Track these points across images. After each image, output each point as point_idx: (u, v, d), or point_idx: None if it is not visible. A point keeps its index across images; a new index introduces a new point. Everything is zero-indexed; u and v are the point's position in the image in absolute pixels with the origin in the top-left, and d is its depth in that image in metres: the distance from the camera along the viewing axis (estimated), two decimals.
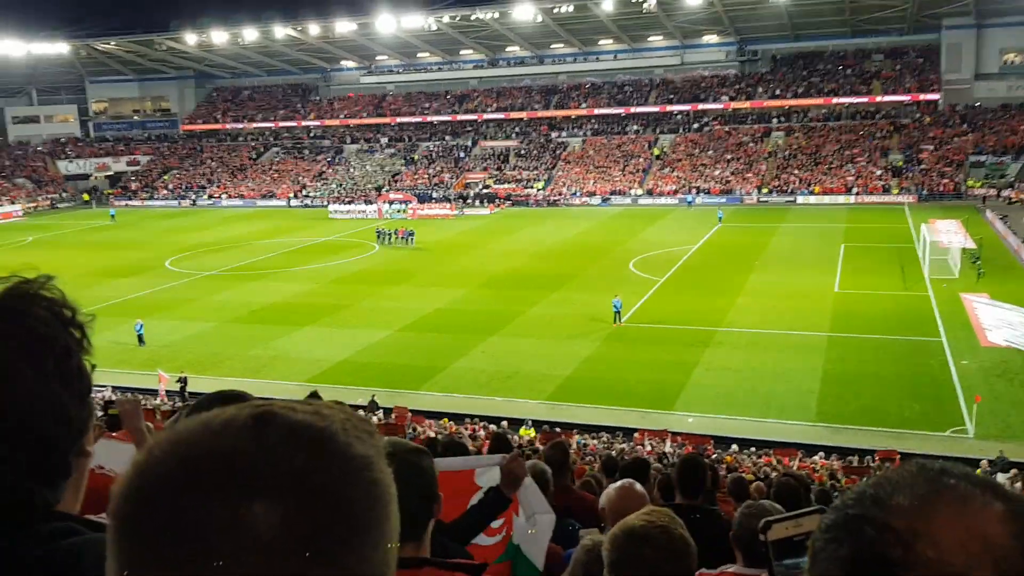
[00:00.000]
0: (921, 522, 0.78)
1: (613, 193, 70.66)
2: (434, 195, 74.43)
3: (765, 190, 66.54)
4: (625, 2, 71.09)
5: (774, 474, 15.08)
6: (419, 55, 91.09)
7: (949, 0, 66.79)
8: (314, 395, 7.37)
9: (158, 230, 65.00)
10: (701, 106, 78.49)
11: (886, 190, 63.12)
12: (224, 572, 0.75)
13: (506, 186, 75.20)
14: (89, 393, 1.34)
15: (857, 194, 63.21)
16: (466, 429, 21.42)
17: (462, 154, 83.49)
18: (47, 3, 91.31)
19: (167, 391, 27.80)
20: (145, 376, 29.07)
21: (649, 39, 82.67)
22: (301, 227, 63.71)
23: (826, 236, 49.61)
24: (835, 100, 74.47)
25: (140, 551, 0.78)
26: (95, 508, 1.42)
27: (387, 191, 76.45)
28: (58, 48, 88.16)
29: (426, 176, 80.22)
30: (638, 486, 3.83)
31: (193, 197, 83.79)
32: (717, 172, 70.23)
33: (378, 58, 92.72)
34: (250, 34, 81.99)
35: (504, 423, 23.14)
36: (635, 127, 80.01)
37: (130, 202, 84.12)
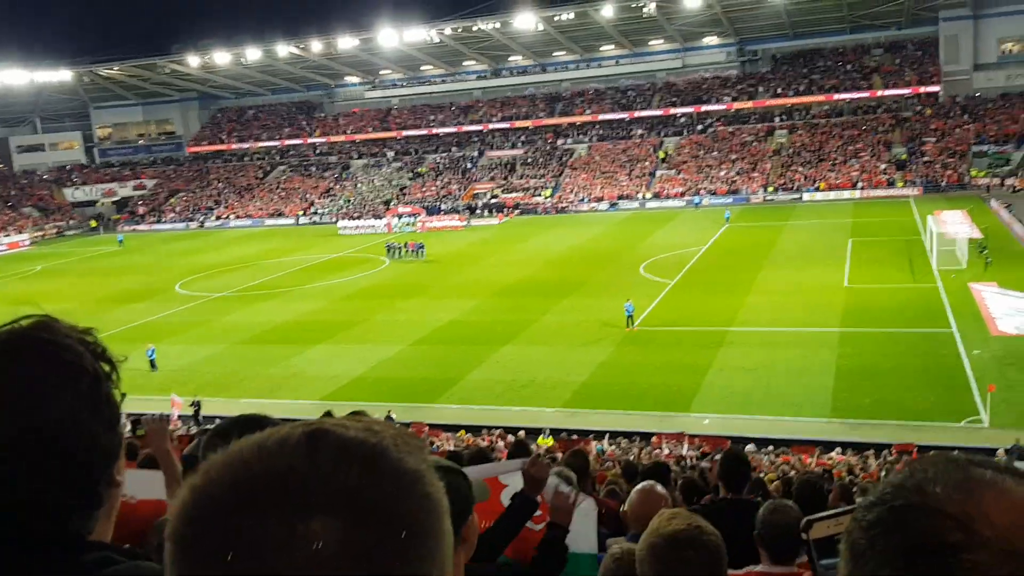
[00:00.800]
0: (972, 506, 0.80)
1: (621, 198, 70.86)
2: (443, 207, 74.77)
3: (771, 189, 66.63)
4: (625, 7, 71.42)
5: (792, 473, 15.26)
6: (422, 68, 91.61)
7: None
8: (328, 415, 7.62)
9: (167, 253, 65.46)
10: (704, 108, 78.70)
11: (891, 184, 63.11)
12: None
13: (514, 195, 75.49)
14: (119, 422, 1.42)
15: (862, 189, 63.23)
16: (484, 440, 21.62)
17: (469, 165, 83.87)
18: (49, 31, 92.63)
19: (180, 415, 27.94)
20: (158, 402, 29.27)
21: (650, 43, 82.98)
22: (311, 245, 64.11)
23: (833, 232, 49.68)
24: (836, 96, 74.55)
25: (201, 572, 0.80)
26: (118, 535, 1.52)
27: (396, 205, 76.83)
28: (61, 75, 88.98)
29: (434, 188, 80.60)
30: (659, 487, 3.88)
31: (201, 219, 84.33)
32: (723, 173, 70.37)
33: (382, 72, 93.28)
34: (252, 54, 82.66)
35: (521, 432, 23.33)
36: (640, 131, 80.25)
37: (138, 227, 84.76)
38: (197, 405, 27.55)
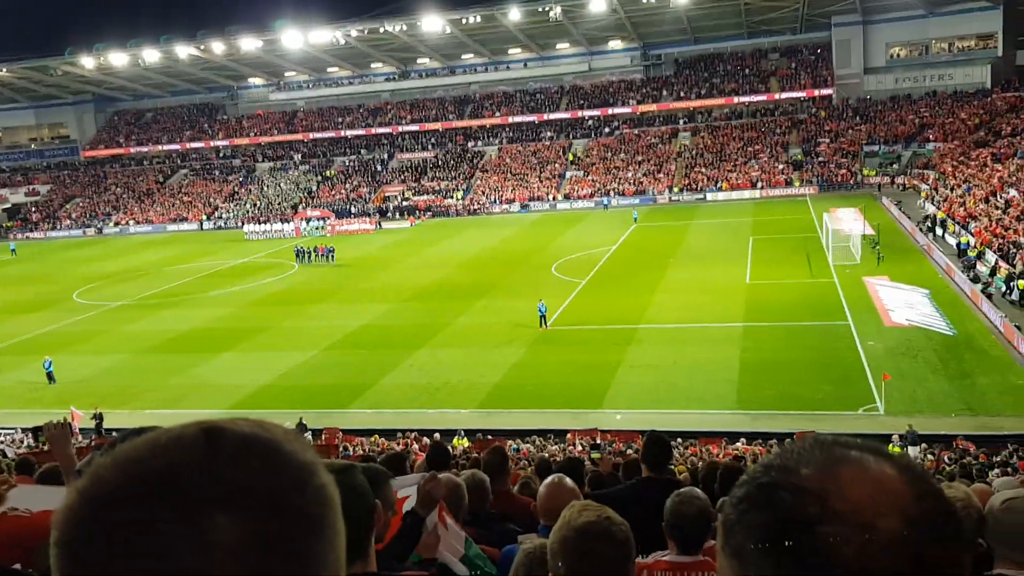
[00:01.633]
0: (830, 482, 0.86)
1: (532, 199, 71.47)
2: (353, 210, 73.92)
3: (676, 189, 68.31)
4: (531, 11, 72.07)
5: (700, 463, 15.72)
6: (329, 70, 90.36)
7: None
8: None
9: (63, 261, 62.83)
10: (611, 111, 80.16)
11: (788, 183, 65.57)
12: None
13: (425, 198, 75.24)
14: None
15: (762, 188, 65.49)
16: (398, 444, 21.51)
17: (379, 167, 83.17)
18: None
19: (82, 429, 26.88)
20: (57, 416, 28.08)
21: (557, 47, 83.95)
22: (216, 250, 62.47)
23: (735, 230, 51.28)
24: (736, 99, 77.05)
25: (96, 573, 0.78)
26: (9, 552, 1.43)
27: (304, 208, 75.58)
28: None
29: (343, 191, 79.61)
30: (568, 480, 3.88)
31: (99, 225, 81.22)
32: (630, 174, 71.78)
33: (287, 74, 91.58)
34: (151, 55, 79.93)
35: (436, 435, 23.31)
36: (549, 134, 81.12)
37: (31, 234, 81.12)
38: (99, 417, 26.59)
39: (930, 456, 18.73)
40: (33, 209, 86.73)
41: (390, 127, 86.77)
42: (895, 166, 64.73)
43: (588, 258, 46.68)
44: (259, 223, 72.05)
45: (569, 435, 22.93)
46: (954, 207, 45.52)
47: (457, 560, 3.58)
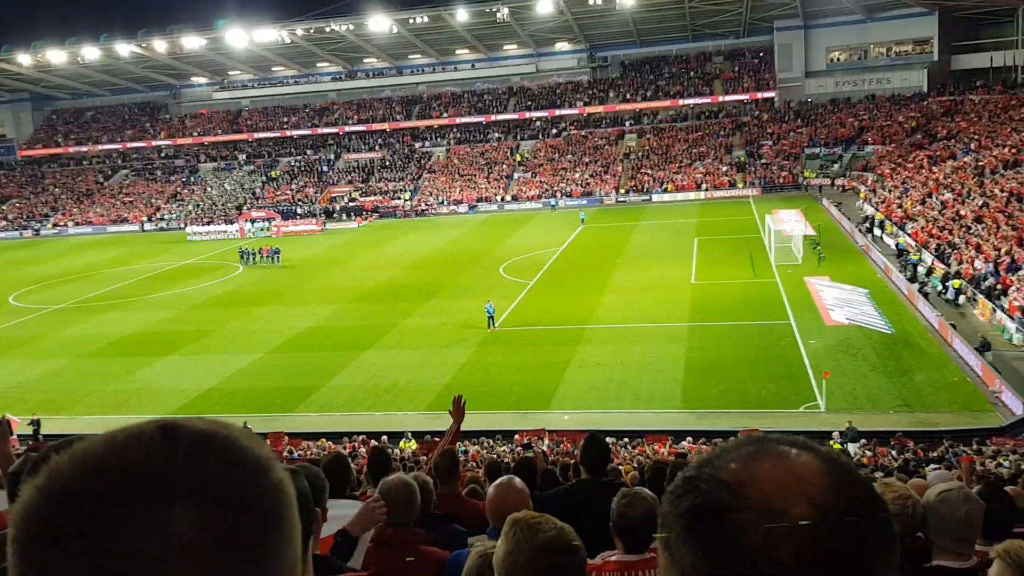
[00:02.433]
0: (746, 473, 0.91)
1: (479, 200, 71.45)
2: (299, 211, 73.03)
3: (623, 190, 68.93)
4: (478, 12, 72.06)
5: (647, 462, 15.88)
6: (274, 69, 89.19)
7: (778, 4, 71.31)
8: None
9: None
10: (558, 112, 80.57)
11: (732, 185, 66.65)
12: (152, 575, 0.78)
13: (372, 198, 74.71)
14: None
15: (706, 190, 66.46)
16: (345, 448, 21.31)
17: (325, 168, 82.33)
18: None
19: (19, 435, 26.16)
20: None
21: (504, 48, 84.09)
22: (158, 252, 61.20)
23: (681, 231, 51.94)
24: (681, 102, 78.06)
25: (58, 570, 0.78)
26: None
27: (249, 209, 74.44)
28: None
29: (289, 192, 78.63)
30: (517, 481, 3.87)
31: (36, 227, 78.93)
32: (577, 175, 72.22)
33: (231, 73, 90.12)
34: (91, 52, 78.00)
35: (384, 437, 23.16)
36: (497, 135, 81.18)
37: None
38: (36, 424, 25.91)
39: (868, 452, 19.18)
40: None
41: (336, 127, 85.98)
42: (835, 168, 66.23)
43: (536, 259, 46.85)
44: (202, 224, 70.80)
45: (517, 436, 22.96)
46: (892, 208, 46.76)
47: None
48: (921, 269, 35.98)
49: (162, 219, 77.23)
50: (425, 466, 8.19)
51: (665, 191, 67.42)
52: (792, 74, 74.75)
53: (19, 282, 51.79)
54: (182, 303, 42.93)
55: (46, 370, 33.00)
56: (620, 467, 14.13)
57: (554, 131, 79.82)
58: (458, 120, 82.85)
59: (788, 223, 42.57)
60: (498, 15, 71.51)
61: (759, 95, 75.90)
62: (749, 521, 0.86)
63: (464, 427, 24.11)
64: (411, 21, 73.74)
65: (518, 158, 77.06)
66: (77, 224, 78.59)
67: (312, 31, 76.40)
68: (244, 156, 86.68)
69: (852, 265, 39.78)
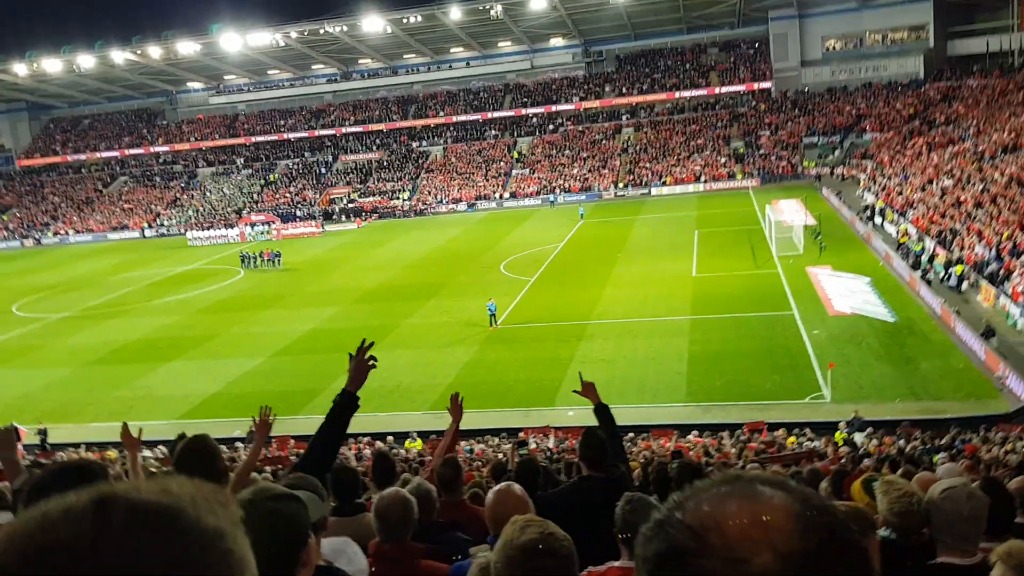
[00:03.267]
0: (712, 518, 0.89)
1: (478, 198, 71.45)
2: (298, 213, 73.05)
3: (621, 185, 68.91)
4: (472, 10, 71.97)
5: (653, 458, 15.86)
6: (269, 72, 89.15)
7: None
8: (182, 437, 7.28)
9: (0, 273, 60.91)
10: (554, 108, 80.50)
11: (731, 176, 66.60)
12: None
13: (371, 199, 74.70)
14: None
15: (705, 182, 66.41)
16: (350, 449, 21.32)
17: (323, 170, 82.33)
18: None
19: (26, 445, 26.21)
20: None
21: (499, 45, 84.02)
22: (159, 258, 61.23)
23: (680, 224, 51.91)
24: (677, 94, 77.95)
25: None
26: None
27: (248, 213, 74.46)
28: None
29: (288, 195, 78.63)
30: (516, 487, 3.80)
31: (37, 236, 79.11)
32: (575, 171, 72.17)
33: (226, 77, 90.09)
34: (86, 61, 77.97)
35: (390, 438, 23.18)
36: (493, 132, 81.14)
37: None
38: (44, 433, 25.91)
39: (874, 442, 19.15)
40: None
41: (333, 129, 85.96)
42: (834, 156, 66.15)
43: (536, 255, 46.83)
44: (202, 229, 70.86)
45: (521, 433, 22.95)
46: (892, 196, 46.69)
47: None
48: (923, 256, 35.94)
49: (162, 225, 77.29)
50: (426, 469, 8.16)
51: (664, 184, 67.37)
52: (788, 64, 74.63)
53: (22, 291, 51.82)
54: (185, 308, 42.95)
55: (51, 379, 33.01)
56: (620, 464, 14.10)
57: (551, 127, 79.76)
58: (455, 118, 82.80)
59: (788, 213, 42.52)
60: (491, 12, 71.42)
61: (755, 86, 75.79)
62: (712, 567, 0.85)
63: (469, 426, 24.13)
64: (405, 21, 73.69)
65: (515, 155, 77.03)
66: (77, 232, 78.66)
67: (306, 33, 76.38)
68: (242, 160, 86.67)
69: (853, 254, 39.73)
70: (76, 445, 24.85)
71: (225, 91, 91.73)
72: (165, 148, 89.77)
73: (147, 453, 21.12)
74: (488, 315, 33.36)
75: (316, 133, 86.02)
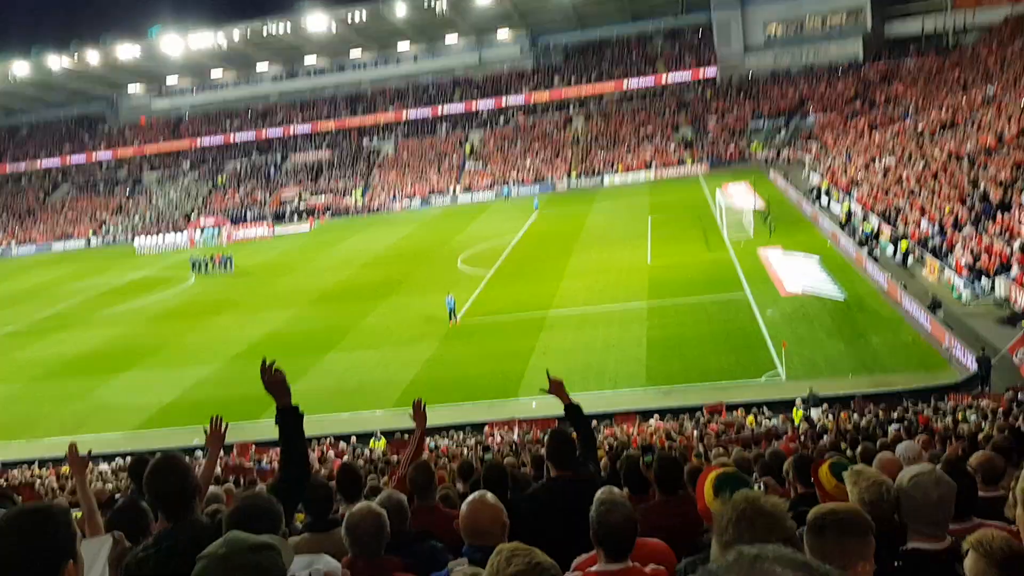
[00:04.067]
0: None
1: (432, 193, 71.20)
2: (248, 216, 72.07)
3: (574, 175, 69.21)
4: (417, 5, 71.56)
5: (616, 444, 16.04)
6: (213, 73, 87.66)
7: None
8: (140, 457, 7.16)
9: None
10: (504, 101, 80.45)
11: (681, 162, 67.28)
12: None
13: (323, 198, 74.00)
14: None
15: (656, 169, 66.98)
16: (313, 451, 21.17)
17: (272, 170, 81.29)
18: None
19: None
20: None
21: (446, 39, 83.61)
22: (106, 267, 59.95)
23: (634, 212, 52.31)
24: (625, 83, 78.42)
25: None
26: None
27: (197, 217, 73.24)
28: None
29: (237, 197, 77.51)
30: (489, 496, 3.77)
31: None
32: (528, 163, 72.28)
33: (169, 80, 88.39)
34: (21, 68, 75.92)
35: (353, 438, 23.09)
36: (444, 127, 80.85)
37: None
38: None
39: (830, 416, 19.57)
40: None
41: (281, 128, 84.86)
42: (780, 139, 67.20)
43: (493, 249, 46.85)
44: (150, 236, 69.54)
45: (486, 427, 23.04)
46: (837, 176, 47.61)
47: None
48: (865, 230, 36.72)
49: (108, 233, 75.70)
50: (393, 478, 8.10)
51: (616, 173, 67.81)
52: (732, 50, 75.46)
53: None
54: (136, 317, 42.16)
55: (1, 395, 32.20)
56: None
57: (502, 120, 79.73)
58: (405, 114, 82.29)
59: (738, 197, 43.12)
60: (437, 7, 71.14)
61: (701, 72, 76.57)
62: None
63: (433, 422, 24.07)
64: (349, 17, 73.01)
65: (468, 149, 76.87)
66: (20, 243, 76.68)
67: (249, 33, 75.29)
68: (188, 163, 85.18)
69: (802, 234, 40.46)
70: (30, 462, 24.33)
71: (168, 94, 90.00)
72: (108, 154, 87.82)
73: (103, 467, 20.76)
74: (447, 310, 33.32)
75: (264, 134, 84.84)
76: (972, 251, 28.66)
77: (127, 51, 75.19)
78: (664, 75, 77.64)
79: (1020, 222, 28.38)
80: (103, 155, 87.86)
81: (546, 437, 5.21)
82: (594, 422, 21.97)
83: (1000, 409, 15.45)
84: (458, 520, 3.72)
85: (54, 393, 31.65)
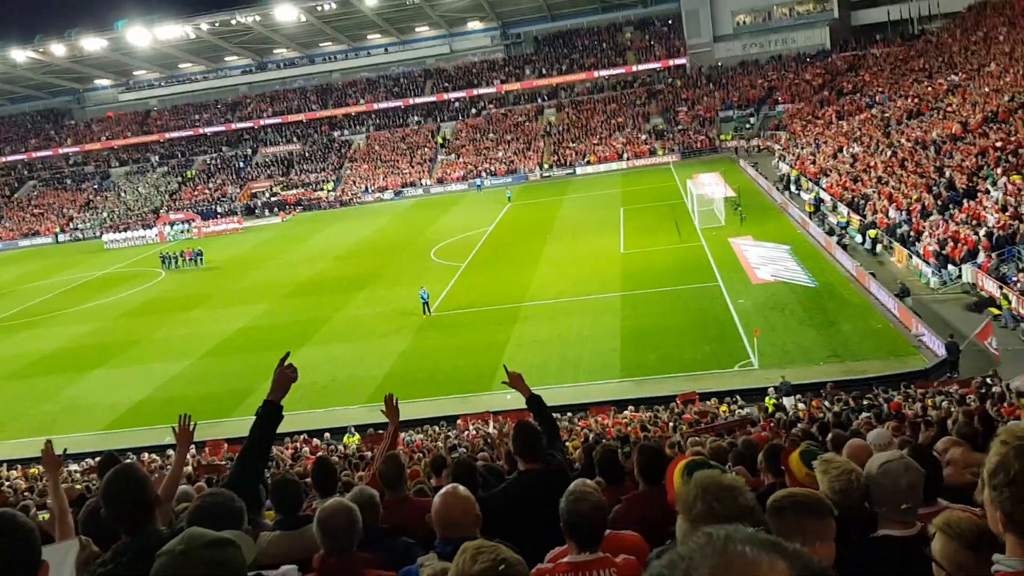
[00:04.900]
0: None
1: (404, 185, 70.88)
2: (219, 210, 71.35)
3: (546, 166, 69.20)
4: None
5: (592, 436, 16.09)
6: (181, 66, 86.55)
7: None
8: (109, 456, 7.06)
9: None
10: (476, 91, 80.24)
11: (652, 152, 67.52)
12: None
13: (295, 191, 73.42)
14: None
15: (628, 159, 67.16)
16: (287, 448, 21.03)
17: (243, 164, 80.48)
18: None
19: None
20: None
21: (417, 30, 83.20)
22: (74, 263, 59.10)
23: (606, 202, 52.44)
24: (596, 74, 78.54)
25: None
26: None
27: (166, 212, 72.39)
28: None
29: (207, 191, 76.68)
30: (461, 489, 3.76)
31: None
32: (500, 154, 72.17)
33: (136, 73, 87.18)
34: None
35: (327, 434, 22.96)
36: (416, 118, 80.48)
37: None
38: None
39: (802, 406, 19.75)
40: None
41: (251, 121, 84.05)
42: (749, 127, 67.63)
43: (466, 241, 46.76)
44: (119, 231, 68.62)
45: (460, 420, 23.00)
46: (806, 165, 48.02)
47: None
48: (834, 219, 37.10)
49: (76, 229, 74.59)
50: (368, 472, 8.08)
51: (588, 163, 67.90)
52: (701, 40, 75.76)
53: None
54: (105, 314, 41.61)
55: None
56: (566, 443, 14.28)
57: (473, 111, 79.50)
58: (376, 106, 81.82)
59: (709, 186, 43.39)
60: None
61: (671, 62, 76.85)
62: None
63: (408, 416, 23.99)
64: (319, 8, 72.35)
65: (440, 140, 76.59)
66: None
67: (217, 24, 74.39)
68: (157, 157, 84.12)
69: (772, 223, 40.78)
70: None
71: (135, 87, 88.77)
72: (75, 149, 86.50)
73: (73, 467, 20.49)
74: (421, 303, 33.23)
75: (233, 126, 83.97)
76: (939, 238, 29.05)
77: (93, 44, 73.96)
78: (634, 65, 77.82)
79: (985, 209, 28.82)
80: (70, 150, 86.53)
81: (512, 432, 5.20)
82: (569, 413, 22.09)
83: (969, 395, 15.70)
84: (430, 513, 3.71)
85: (23, 393, 31.17)
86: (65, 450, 5.37)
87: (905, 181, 35.68)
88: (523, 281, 36.26)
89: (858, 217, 35.84)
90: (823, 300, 28.96)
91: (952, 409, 13.09)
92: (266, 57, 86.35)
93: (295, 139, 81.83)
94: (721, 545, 0.91)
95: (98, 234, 70.05)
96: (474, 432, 20.64)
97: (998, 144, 32.94)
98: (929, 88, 48.61)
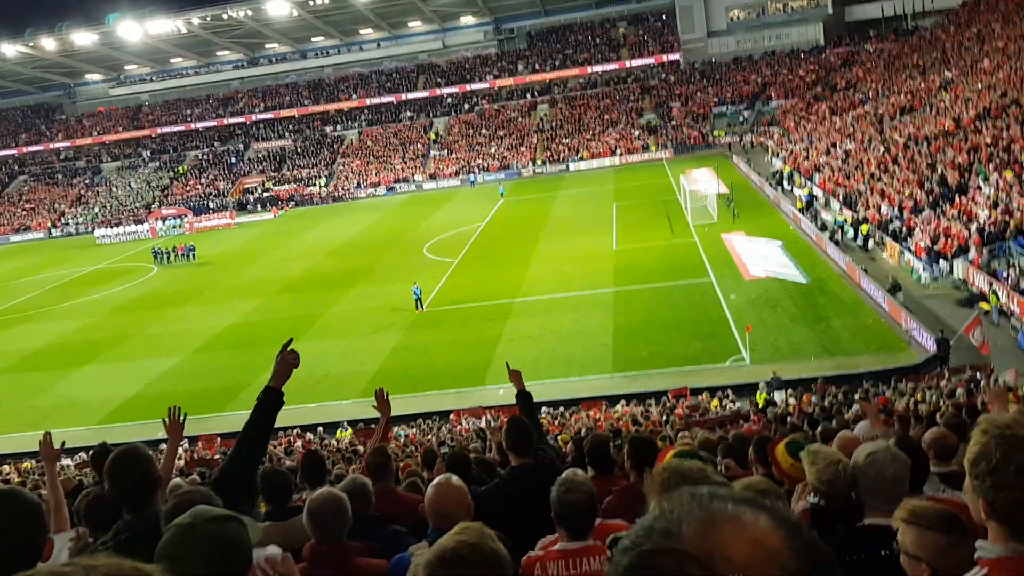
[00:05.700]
0: (711, 544, 0.88)
1: (397, 181, 70.79)
2: (211, 205, 71.17)
3: (539, 161, 69.20)
4: None
5: (583, 431, 16.14)
6: (172, 60, 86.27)
7: None
8: (103, 445, 7.07)
9: None
10: (469, 87, 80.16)
11: (645, 148, 67.56)
12: None
13: (287, 187, 73.27)
14: None
15: (621, 155, 67.19)
16: (279, 443, 21.04)
17: (235, 159, 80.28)
18: None
19: None
20: None
21: (409, 25, 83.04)
22: (66, 258, 58.89)
23: (599, 198, 52.46)
24: (590, 69, 78.52)
25: None
26: None
27: (158, 207, 72.19)
28: None
29: (199, 186, 76.47)
30: (454, 479, 3.79)
31: None
32: (493, 149, 72.12)
33: (127, 68, 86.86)
34: None
35: (320, 429, 22.98)
36: (409, 114, 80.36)
37: None
38: None
39: (793, 400, 19.83)
40: None
41: (243, 116, 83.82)
42: (743, 123, 67.72)
43: (459, 236, 46.74)
44: (111, 226, 68.39)
45: (452, 415, 23.03)
46: (799, 161, 48.12)
47: None
48: (827, 216, 37.20)
49: (67, 224, 74.33)
50: (360, 462, 8.11)
51: (581, 159, 67.91)
52: (695, 35, 75.84)
53: None
54: (97, 309, 41.49)
55: None
56: (558, 437, 14.33)
57: (466, 106, 79.42)
58: (368, 101, 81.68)
59: (701, 182, 43.43)
60: None
61: (664, 58, 76.89)
62: None
63: (401, 411, 23.99)
64: (311, 3, 72.16)
65: (432, 136, 76.51)
66: None
67: (209, 19, 74.12)
68: (148, 152, 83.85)
69: (765, 219, 40.86)
70: None
71: (127, 81, 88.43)
72: (66, 144, 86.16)
73: (67, 461, 20.47)
74: (414, 299, 33.22)
75: (225, 121, 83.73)
76: (931, 234, 29.16)
77: (84, 38, 73.64)
78: (628, 60, 77.82)
79: (977, 205, 28.93)
80: (61, 144, 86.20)
81: (504, 428, 5.26)
82: (561, 408, 22.15)
83: (958, 389, 15.79)
84: (423, 504, 3.73)
85: (15, 388, 31.08)
86: (63, 443, 5.40)
87: (898, 177, 35.79)
88: (516, 277, 36.27)
89: (851, 212, 35.94)
90: (815, 296, 29.05)
91: (941, 403, 13.17)
92: (258, 52, 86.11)
93: (287, 134, 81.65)
94: (706, 501, 0.93)
95: (90, 229, 69.81)
96: (466, 426, 20.67)
97: (990, 140, 33.07)
98: (922, 84, 48.73)
